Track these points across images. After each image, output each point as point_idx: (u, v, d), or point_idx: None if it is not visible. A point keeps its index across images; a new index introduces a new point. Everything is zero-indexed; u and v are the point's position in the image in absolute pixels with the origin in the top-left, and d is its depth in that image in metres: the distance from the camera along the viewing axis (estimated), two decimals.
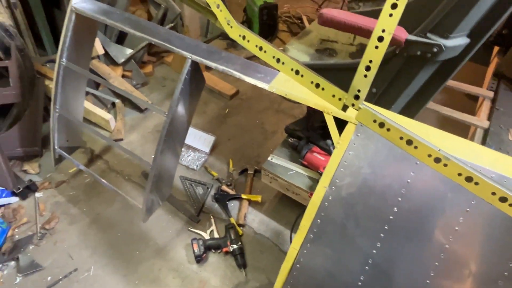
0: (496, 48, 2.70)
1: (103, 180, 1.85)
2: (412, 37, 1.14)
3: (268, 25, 3.17)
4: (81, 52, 1.81)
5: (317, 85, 0.93)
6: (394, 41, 1.14)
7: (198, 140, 2.35)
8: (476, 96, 2.45)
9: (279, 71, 1.08)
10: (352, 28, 1.19)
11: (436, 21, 1.12)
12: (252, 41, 1.03)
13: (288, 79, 1.11)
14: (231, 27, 1.08)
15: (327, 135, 1.86)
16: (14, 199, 2.02)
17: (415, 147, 0.81)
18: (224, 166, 2.29)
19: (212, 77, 2.81)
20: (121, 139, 2.39)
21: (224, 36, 3.32)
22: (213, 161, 2.31)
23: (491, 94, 2.30)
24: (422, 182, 1.06)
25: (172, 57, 2.95)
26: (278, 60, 0.99)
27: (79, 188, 2.12)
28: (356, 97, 0.87)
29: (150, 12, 2.95)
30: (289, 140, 1.89)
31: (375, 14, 1.84)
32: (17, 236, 1.88)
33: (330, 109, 1.08)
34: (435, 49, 1.14)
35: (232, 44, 3.29)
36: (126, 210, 2.01)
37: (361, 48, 1.67)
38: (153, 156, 1.56)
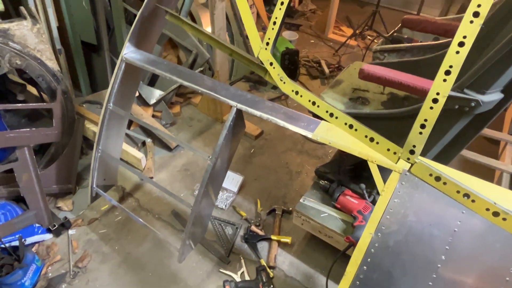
0: None
1: (136, 217, 1.89)
2: (451, 93, 1.22)
3: (289, 70, 3.34)
4: (126, 97, 1.93)
5: (372, 139, 1.00)
6: None
7: (226, 179, 2.40)
8: (496, 140, 2.51)
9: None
10: (392, 83, 1.29)
11: (474, 79, 1.20)
12: (305, 96, 1.12)
13: (330, 127, 1.19)
14: (284, 82, 1.17)
15: (358, 178, 1.92)
16: (48, 236, 2.06)
17: (473, 201, 0.85)
18: (252, 205, 2.32)
19: None
20: (151, 178, 2.46)
21: (246, 78, 3.50)
22: (241, 201, 2.35)
23: None
24: (469, 231, 1.09)
25: (200, 98, 3.09)
26: (331, 115, 1.07)
27: (110, 226, 2.16)
28: (412, 152, 0.94)
29: (179, 57, 3.14)
30: (320, 182, 1.94)
31: (401, 66, 1.96)
32: (50, 274, 1.90)
33: (374, 158, 1.14)
34: (472, 104, 1.21)
35: (254, 86, 3.45)
36: (156, 250, 2.03)
37: (392, 97, 1.77)
38: (182, 195, 1.61)
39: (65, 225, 2.09)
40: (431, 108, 0.87)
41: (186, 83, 1.58)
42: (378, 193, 1.24)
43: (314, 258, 2.02)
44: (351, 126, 1.03)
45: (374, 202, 1.77)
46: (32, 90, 2.46)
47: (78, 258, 1.97)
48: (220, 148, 1.51)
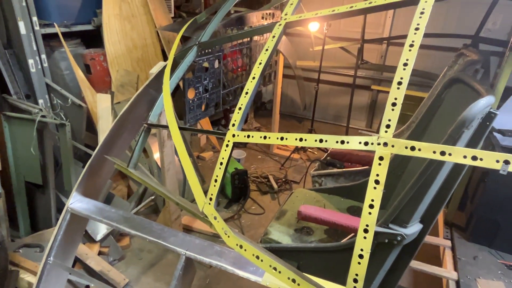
0: None
1: None
2: (379, 229, 1.37)
3: (240, 189, 3.48)
4: (69, 247, 1.84)
5: None
6: None
7: None
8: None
9: None
10: (327, 223, 1.42)
11: (394, 215, 1.37)
12: (248, 250, 1.18)
13: None
14: (228, 236, 1.24)
15: None
16: None
17: None
18: None
19: None
20: None
21: None
22: None
23: (448, 243, 2.56)
24: None
25: None
26: (275, 269, 1.13)
27: None
28: None
29: (130, 186, 3.16)
30: None
31: (337, 191, 2.16)
32: None
33: None
34: (398, 238, 1.36)
35: None
36: None
37: None
38: None
39: None
40: (359, 263, 0.97)
41: (133, 232, 1.58)
42: None
43: None
44: (294, 281, 1.09)
45: None
46: None
47: None
48: None
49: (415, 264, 2.33)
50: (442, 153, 0.95)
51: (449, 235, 2.66)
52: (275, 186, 3.80)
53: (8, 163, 2.64)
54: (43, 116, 2.45)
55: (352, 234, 1.61)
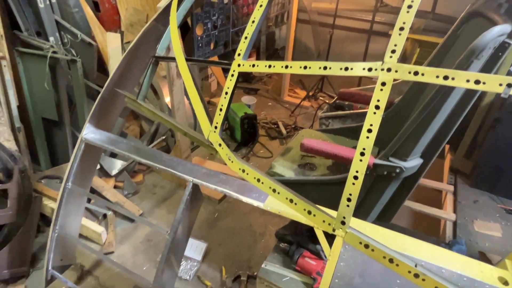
0: (447, 146, 3.13)
1: None
2: (378, 161, 1.41)
3: (248, 133, 3.54)
4: (85, 174, 1.96)
5: (309, 212, 1.13)
6: None
7: (190, 248, 2.40)
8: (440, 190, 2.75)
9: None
10: (328, 155, 1.46)
11: (395, 148, 1.40)
12: (250, 174, 1.25)
13: None
14: (232, 161, 1.30)
15: (316, 238, 2.01)
16: None
17: (397, 265, 0.97)
18: (217, 273, 2.31)
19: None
20: (112, 252, 2.40)
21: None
22: (206, 269, 2.33)
23: (451, 188, 2.61)
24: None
25: None
26: (274, 190, 1.19)
27: None
28: (343, 223, 1.06)
29: (142, 126, 3.25)
30: (281, 245, 2.00)
31: (343, 132, 2.18)
32: None
33: (326, 229, 1.26)
34: (397, 170, 1.40)
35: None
36: None
37: (336, 162, 1.95)
38: (145, 268, 1.60)
39: None
40: (354, 184, 1.02)
41: (144, 161, 1.67)
42: None
43: None
44: (291, 201, 1.15)
45: None
46: None
47: None
48: (177, 223, 1.57)
49: (415, 205, 2.40)
50: (445, 78, 0.94)
51: (453, 181, 2.70)
52: (284, 131, 3.84)
53: (24, 99, 2.72)
54: (54, 52, 2.48)
55: None
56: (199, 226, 2.67)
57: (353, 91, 2.11)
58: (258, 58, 5.41)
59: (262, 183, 1.22)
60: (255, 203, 1.44)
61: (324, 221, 1.11)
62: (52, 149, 2.98)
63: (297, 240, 1.99)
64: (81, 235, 2.48)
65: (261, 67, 1.27)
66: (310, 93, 4.51)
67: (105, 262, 2.32)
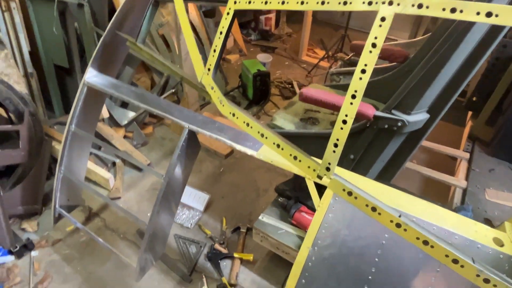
0: (469, 112, 2.94)
1: (99, 239, 1.91)
2: (379, 113, 1.32)
3: (261, 90, 3.45)
4: (89, 119, 1.99)
5: (295, 158, 1.08)
6: (363, 117, 1.32)
7: (193, 198, 2.45)
8: (455, 157, 2.62)
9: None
10: (327, 104, 1.38)
11: (399, 100, 1.30)
12: (240, 118, 1.20)
13: None
14: (223, 105, 1.25)
15: None
16: (10, 258, 2.05)
17: (379, 214, 0.93)
18: (218, 224, 2.36)
19: (208, 137, 3.00)
20: (119, 198, 2.49)
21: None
22: (207, 219, 2.39)
23: (467, 155, 2.48)
24: (396, 242, 1.16)
25: None
26: (262, 135, 1.15)
27: (75, 247, 2.16)
28: (327, 169, 1.02)
29: (153, 79, 3.23)
30: (279, 199, 2.00)
31: None
32: None
33: (310, 175, 1.22)
34: (399, 124, 1.31)
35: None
36: (118, 270, 2.04)
37: None
38: (149, 214, 1.65)
39: (27, 247, 2.09)
40: (342, 128, 0.96)
41: (141, 105, 1.66)
42: None
43: (275, 274, 2.05)
44: (278, 146, 1.11)
45: None
46: (1, 112, 2.51)
47: (39, 279, 1.97)
48: (173, 167, 1.57)
49: (425, 170, 2.31)
50: (453, 10, 0.83)
51: (470, 148, 2.56)
52: (298, 91, 3.72)
53: (36, 46, 2.74)
54: None
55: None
56: (204, 179, 2.70)
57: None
58: None
59: (251, 127, 1.18)
60: (249, 151, 1.41)
61: (309, 167, 1.06)
62: (65, 97, 3.04)
63: (296, 196, 1.98)
64: (90, 180, 2.57)
65: (257, 3, 1.18)
66: (330, 53, 4.30)
67: (111, 206, 2.42)
